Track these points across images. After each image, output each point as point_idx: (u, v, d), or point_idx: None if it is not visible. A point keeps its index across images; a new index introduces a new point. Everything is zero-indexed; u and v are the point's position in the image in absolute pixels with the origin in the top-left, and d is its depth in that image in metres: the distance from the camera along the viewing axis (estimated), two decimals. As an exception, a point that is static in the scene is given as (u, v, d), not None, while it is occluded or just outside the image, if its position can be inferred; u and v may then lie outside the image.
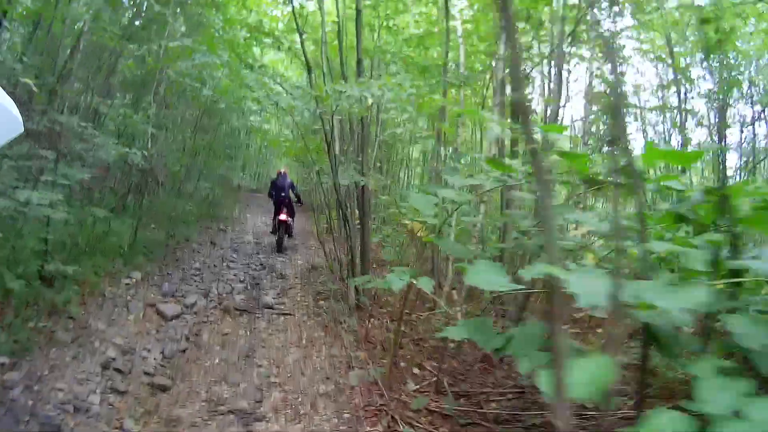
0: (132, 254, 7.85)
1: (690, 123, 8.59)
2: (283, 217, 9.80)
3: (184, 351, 5.13)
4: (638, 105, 10.29)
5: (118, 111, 8.05)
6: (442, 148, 8.66)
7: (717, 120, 8.21)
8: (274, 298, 6.94)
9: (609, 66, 8.06)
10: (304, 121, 8.57)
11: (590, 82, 8.95)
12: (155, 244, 8.89)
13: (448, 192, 3.39)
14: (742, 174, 8.47)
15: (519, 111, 2.66)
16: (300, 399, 4.22)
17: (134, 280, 7.06)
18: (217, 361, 5.00)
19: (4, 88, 1.21)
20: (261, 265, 9.14)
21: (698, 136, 10.50)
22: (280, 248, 9.96)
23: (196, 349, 5.21)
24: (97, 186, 9.36)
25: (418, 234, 5.34)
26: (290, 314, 6.35)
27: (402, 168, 16.51)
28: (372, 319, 5.80)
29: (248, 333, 5.71)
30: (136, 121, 8.08)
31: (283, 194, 9.98)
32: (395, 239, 9.19)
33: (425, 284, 3.29)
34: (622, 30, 7.56)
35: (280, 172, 10.47)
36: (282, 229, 9.93)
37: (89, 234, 7.04)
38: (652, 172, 4.68)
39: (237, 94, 10.06)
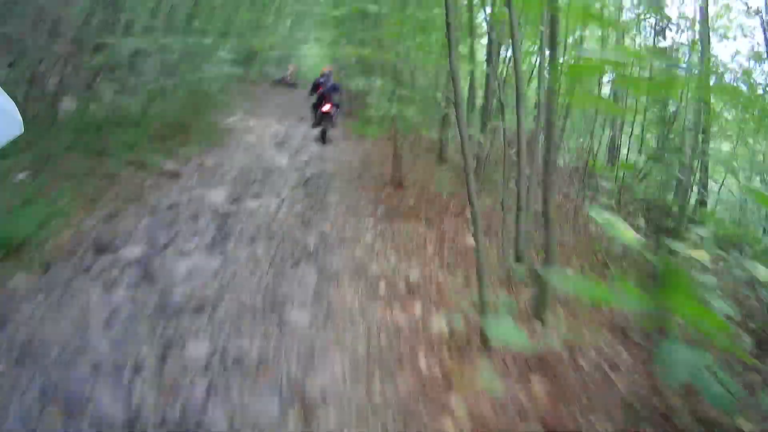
0: None
1: None
2: (326, 108, 8.64)
3: None
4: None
5: None
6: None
7: None
8: None
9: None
10: None
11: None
12: None
13: None
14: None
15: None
16: None
17: None
18: None
19: None
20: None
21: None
22: (323, 140, 8.92)
23: None
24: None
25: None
26: None
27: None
28: None
29: None
30: None
31: (327, 91, 8.77)
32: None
33: None
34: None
35: (325, 72, 9.30)
36: (327, 121, 8.80)
37: None
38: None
39: None
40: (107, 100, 7.56)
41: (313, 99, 9.21)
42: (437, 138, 7.91)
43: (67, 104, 6.72)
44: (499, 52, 5.69)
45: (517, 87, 3.53)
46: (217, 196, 5.34)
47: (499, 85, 4.73)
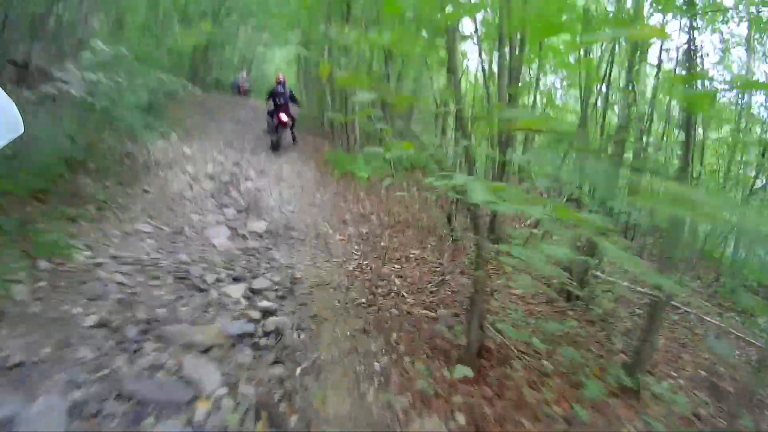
0: None
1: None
2: (284, 118, 8.47)
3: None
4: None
5: None
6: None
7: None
8: None
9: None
10: None
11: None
12: None
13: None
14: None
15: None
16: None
17: None
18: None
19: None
20: None
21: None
22: (276, 149, 8.64)
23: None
24: None
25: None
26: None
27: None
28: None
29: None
30: None
31: (283, 100, 8.64)
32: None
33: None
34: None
35: (279, 80, 9.04)
36: (281, 131, 8.62)
37: None
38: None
39: None
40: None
41: (270, 107, 8.88)
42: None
43: None
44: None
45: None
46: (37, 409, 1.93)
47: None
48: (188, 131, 9.64)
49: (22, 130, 1.10)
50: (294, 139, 9.18)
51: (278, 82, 8.84)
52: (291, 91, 8.86)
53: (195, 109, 12.42)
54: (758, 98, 6.94)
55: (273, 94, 8.73)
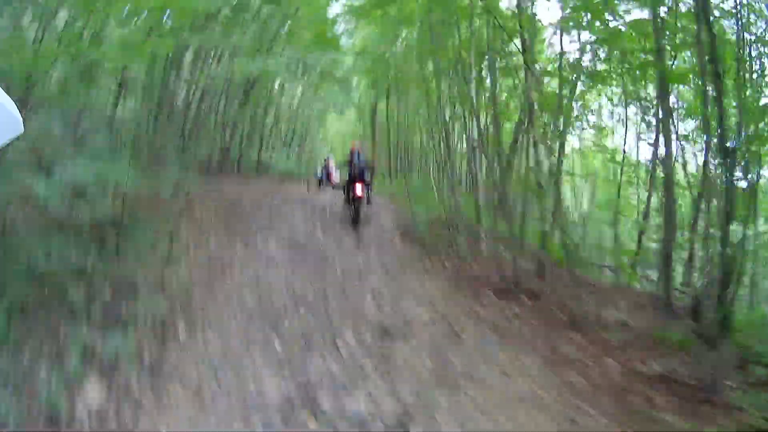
0: None
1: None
2: (358, 192, 7.97)
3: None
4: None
5: None
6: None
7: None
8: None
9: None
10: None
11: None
12: None
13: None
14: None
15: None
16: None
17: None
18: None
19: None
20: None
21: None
22: (356, 221, 8.07)
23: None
24: None
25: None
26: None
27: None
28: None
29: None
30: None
31: (358, 171, 8.17)
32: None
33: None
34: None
35: (354, 149, 8.65)
36: (357, 204, 8.07)
37: None
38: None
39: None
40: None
41: (345, 179, 8.35)
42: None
43: None
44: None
45: None
46: None
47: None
48: (165, 320, 3.33)
49: (23, 130, 1.05)
50: (369, 200, 8.30)
51: (352, 152, 8.39)
52: (365, 161, 8.30)
53: (219, 216, 6.59)
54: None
55: (348, 165, 8.25)
